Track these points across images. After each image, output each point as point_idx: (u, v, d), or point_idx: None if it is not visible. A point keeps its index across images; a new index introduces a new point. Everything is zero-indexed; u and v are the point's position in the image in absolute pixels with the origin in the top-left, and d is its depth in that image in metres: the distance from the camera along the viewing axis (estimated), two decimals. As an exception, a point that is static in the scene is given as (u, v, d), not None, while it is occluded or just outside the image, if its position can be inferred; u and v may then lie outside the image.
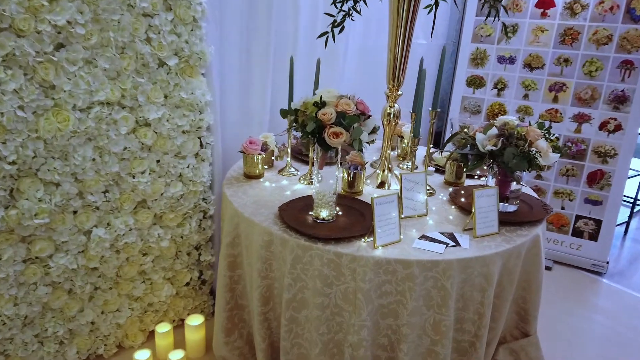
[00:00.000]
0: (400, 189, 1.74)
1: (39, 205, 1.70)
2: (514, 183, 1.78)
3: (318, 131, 1.48)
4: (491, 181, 1.83)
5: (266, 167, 2.11)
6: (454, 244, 1.59)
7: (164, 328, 2.10)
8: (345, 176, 1.89)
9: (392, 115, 1.94)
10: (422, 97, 1.77)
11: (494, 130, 1.74)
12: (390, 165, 2.03)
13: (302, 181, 2.01)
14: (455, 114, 3.15)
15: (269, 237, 1.61)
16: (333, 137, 1.47)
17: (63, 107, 1.68)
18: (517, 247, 1.62)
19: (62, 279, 1.87)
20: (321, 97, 1.52)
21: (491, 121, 1.82)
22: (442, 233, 1.65)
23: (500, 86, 3.06)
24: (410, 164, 2.27)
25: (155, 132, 1.94)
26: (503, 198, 1.81)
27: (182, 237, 2.17)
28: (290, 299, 1.60)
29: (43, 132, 1.65)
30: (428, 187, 1.98)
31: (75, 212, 1.84)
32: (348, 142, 1.49)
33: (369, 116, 1.57)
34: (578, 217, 3.02)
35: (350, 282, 1.52)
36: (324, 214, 1.66)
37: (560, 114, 2.93)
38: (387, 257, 1.48)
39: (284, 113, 1.50)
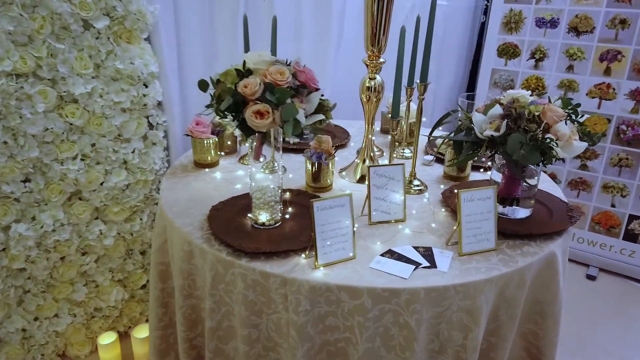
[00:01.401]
0: (368, 186, 1.33)
1: None
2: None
3: (238, 109, 1.09)
4: (496, 176, 1.38)
5: (222, 153, 1.74)
6: (428, 264, 1.16)
7: (107, 339, 1.80)
8: (309, 167, 1.49)
9: (372, 90, 1.51)
10: (405, 65, 1.33)
11: (497, 110, 1.28)
12: (374, 154, 1.61)
13: (264, 170, 1.62)
14: (483, 90, 2.65)
15: (189, 247, 1.26)
16: (256, 118, 1.07)
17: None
18: (519, 271, 1.17)
19: (-25, 283, 1.60)
20: (244, 62, 1.12)
21: (498, 97, 1.36)
22: (416, 248, 1.23)
23: (538, 56, 2.52)
24: (410, 152, 1.83)
25: (87, 110, 1.62)
26: (512, 200, 1.35)
27: (132, 234, 1.85)
28: (214, 328, 1.24)
29: None
30: (418, 182, 1.55)
31: (-13, 204, 1.55)
32: (279, 124, 1.09)
33: (316, 89, 1.16)
34: (632, 217, 2.47)
35: (282, 311, 1.14)
36: (263, 217, 1.28)
37: (614, 89, 2.37)
38: (328, 282, 1.09)
39: (201, 85, 1.13)
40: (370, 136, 1.59)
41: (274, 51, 1.49)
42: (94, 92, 1.60)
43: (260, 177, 1.26)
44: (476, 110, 1.35)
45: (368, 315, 1.09)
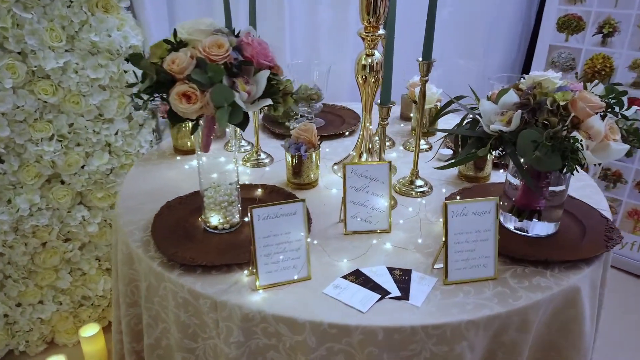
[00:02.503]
0: (344, 188, 1.08)
1: None
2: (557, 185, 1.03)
3: (159, 89, 0.89)
4: (512, 179, 1.09)
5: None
6: (398, 294, 0.92)
7: (90, 330, 1.70)
8: (289, 160, 1.27)
9: (368, 70, 1.25)
10: (392, 41, 1.06)
11: (511, 97, 0.99)
12: (373, 146, 1.35)
13: (246, 162, 1.42)
14: (539, 71, 2.27)
15: (127, 250, 1.08)
16: (181, 101, 0.86)
17: None
18: (520, 312, 0.90)
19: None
20: (175, 31, 0.90)
21: (517, 82, 1.06)
22: (391, 270, 0.98)
23: (607, 30, 2.10)
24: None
25: (61, 87, 1.48)
26: (531, 212, 1.06)
27: (119, 221, 1.72)
28: (153, 345, 1.07)
29: None
30: (421, 183, 1.28)
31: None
32: (213, 111, 0.87)
33: (269, 67, 0.93)
34: None
35: (216, 337, 0.94)
36: (214, 220, 1.08)
37: (702, 72, 1.93)
38: (264, 311, 0.87)
39: (133, 59, 0.93)
40: (368, 125, 1.33)
41: (252, 20, 1.26)
42: (68, 68, 1.46)
43: (210, 170, 1.06)
44: (488, 97, 1.07)
45: (312, 356, 0.87)
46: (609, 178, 2.20)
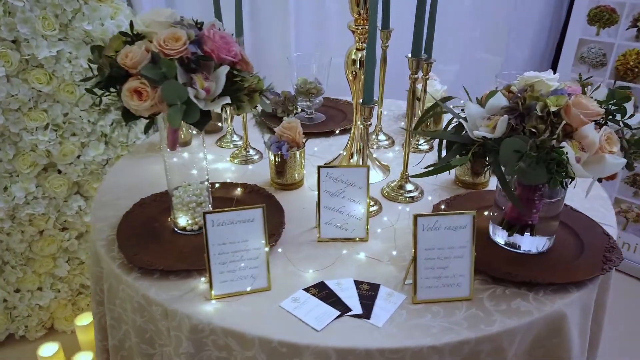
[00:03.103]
0: (318, 192, 1.02)
1: None
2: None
3: (113, 84, 0.84)
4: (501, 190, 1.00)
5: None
6: (360, 312, 0.85)
7: (85, 319, 1.70)
8: (272, 158, 1.21)
9: (359, 65, 1.18)
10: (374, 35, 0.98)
11: (499, 99, 0.90)
12: (364, 146, 1.28)
13: (234, 158, 1.37)
14: (566, 67, 2.13)
15: (94, 248, 1.05)
16: (132, 98, 0.82)
17: None
18: (492, 339, 0.81)
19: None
20: (132, 23, 0.86)
21: (512, 83, 0.97)
22: (359, 283, 0.91)
23: (643, 24, 1.94)
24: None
25: (55, 76, 1.46)
26: (523, 227, 0.97)
27: (116, 212, 1.71)
28: (117, 346, 1.04)
29: None
30: (411, 187, 1.20)
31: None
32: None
33: (232, 62, 0.87)
34: None
35: (169, 346, 0.90)
36: (182, 221, 1.03)
37: None
38: (213, 323, 0.83)
39: (94, 50, 0.88)
40: (359, 123, 1.25)
41: (238, 12, 1.20)
42: (62, 57, 1.44)
43: (177, 169, 1.01)
44: (478, 100, 0.97)
45: (262, 373, 0.81)
46: (639, 183, 2.04)
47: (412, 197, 1.19)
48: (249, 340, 0.81)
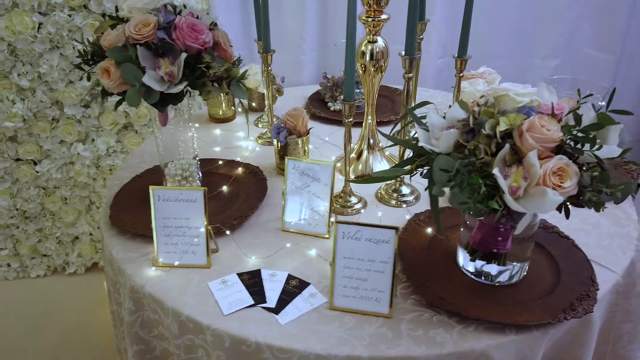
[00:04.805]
0: (285, 183, 1.03)
1: (9, 110, 1.69)
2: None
3: (95, 62, 0.95)
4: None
5: (239, 110, 1.57)
6: (273, 306, 0.86)
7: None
8: (275, 143, 1.24)
9: (368, 58, 1.14)
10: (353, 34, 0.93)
11: (456, 112, 0.82)
12: (374, 143, 1.24)
13: (260, 139, 1.43)
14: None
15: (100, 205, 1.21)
16: (102, 76, 0.91)
17: (22, 8, 1.57)
18: (389, 362, 0.78)
19: (50, 186, 1.88)
20: (116, 7, 0.94)
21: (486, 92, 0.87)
22: (291, 278, 0.92)
23: None
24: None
25: (133, 47, 1.66)
26: (489, 256, 0.88)
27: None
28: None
29: (5, 34, 1.59)
30: (408, 191, 1.15)
31: (57, 122, 1.77)
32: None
33: (198, 50, 0.91)
34: None
35: (121, 299, 1.02)
36: (170, 191, 1.13)
37: None
38: (144, 288, 0.91)
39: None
40: (369, 119, 1.22)
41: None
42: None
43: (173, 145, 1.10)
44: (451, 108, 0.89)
45: (177, 342, 0.88)
46: None
47: (406, 202, 1.13)
48: (165, 309, 0.88)
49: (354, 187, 1.13)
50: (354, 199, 1.12)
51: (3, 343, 1.76)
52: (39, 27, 1.59)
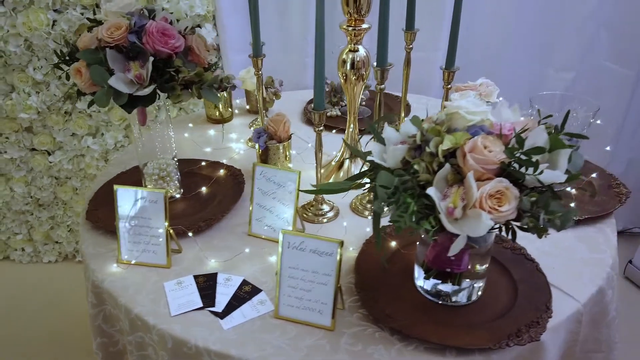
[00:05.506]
0: (252, 189, 1.04)
1: (24, 102, 1.77)
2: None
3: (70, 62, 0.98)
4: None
5: (237, 110, 1.59)
6: (219, 310, 0.87)
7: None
8: (257, 147, 1.25)
9: (349, 67, 1.13)
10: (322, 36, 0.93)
11: (408, 127, 0.81)
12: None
13: (250, 141, 1.45)
14: None
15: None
16: (75, 76, 0.95)
17: (37, 5, 1.64)
18: (323, 375, 0.77)
19: (62, 176, 1.96)
20: (94, 11, 0.97)
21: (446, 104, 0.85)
22: (244, 284, 0.93)
23: None
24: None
25: (140, 46, 1.71)
26: (443, 275, 0.87)
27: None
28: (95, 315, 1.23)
29: (22, 30, 1.66)
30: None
31: (69, 115, 1.85)
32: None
33: (169, 54, 0.93)
34: None
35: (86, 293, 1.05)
36: (148, 190, 1.16)
37: None
38: (103, 284, 0.94)
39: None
40: (351, 128, 1.22)
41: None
42: (145, 30, 1.67)
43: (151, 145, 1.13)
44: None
45: (129, 338, 0.91)
46: None
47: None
48: (119, 306, 0.90)
49: (329, 196, 1.13)
50: (326, 207, 1.12)
51: (15, 324, 1.85)
52: (53, 24, 1.66)
